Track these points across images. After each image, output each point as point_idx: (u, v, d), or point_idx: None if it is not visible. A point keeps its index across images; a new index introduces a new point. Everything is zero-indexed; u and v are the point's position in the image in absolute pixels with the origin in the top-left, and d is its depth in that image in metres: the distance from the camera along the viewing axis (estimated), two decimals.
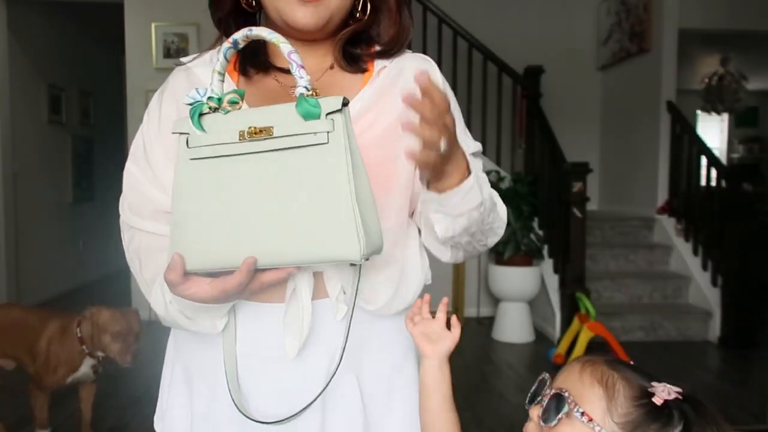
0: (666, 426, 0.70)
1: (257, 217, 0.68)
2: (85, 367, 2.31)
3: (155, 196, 0.84)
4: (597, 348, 3.57)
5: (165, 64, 4.55)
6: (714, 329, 4.17)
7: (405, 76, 0.88)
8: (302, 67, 0.69)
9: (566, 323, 3.87)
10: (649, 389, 0.71)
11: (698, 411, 0.70)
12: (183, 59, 0.90)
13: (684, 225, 4.66)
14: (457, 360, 0.96)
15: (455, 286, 4.54)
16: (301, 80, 0.68)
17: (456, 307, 4.53)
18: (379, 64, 0.89)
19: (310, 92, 0.67)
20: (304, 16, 0.80)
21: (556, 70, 5.41)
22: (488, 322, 4.48)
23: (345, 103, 0.67)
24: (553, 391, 0.76)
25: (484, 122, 4.86)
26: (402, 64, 0.90)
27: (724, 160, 8.13)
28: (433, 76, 0.85)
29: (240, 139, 0.68)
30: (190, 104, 0.71)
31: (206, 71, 0.82)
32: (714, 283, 4.28)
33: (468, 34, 4.81)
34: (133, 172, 0.87)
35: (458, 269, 4.49)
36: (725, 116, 8.33)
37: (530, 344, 4.09)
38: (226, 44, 0.73)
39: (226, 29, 0.86)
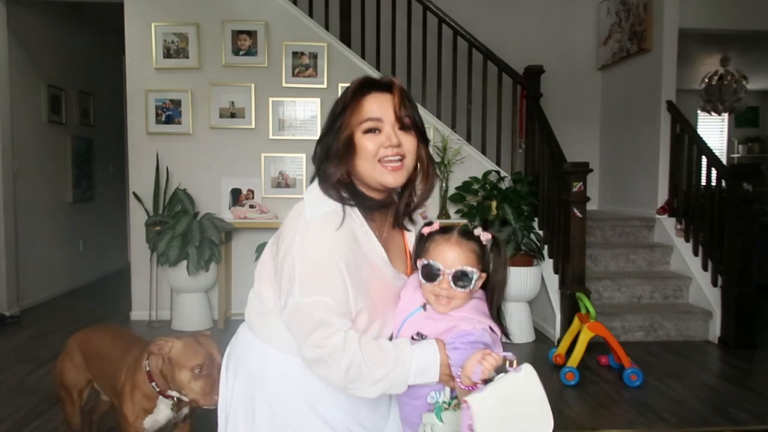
0: (491, 252, 1.22)
1: None
2: (165, 409, 1.84)
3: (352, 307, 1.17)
4: (597, 348, 3.58)
5: (165, 64, 4.55)
6: (714, 329, 4.17)
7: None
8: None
9: (566, 323, 3.87)
10: (480, 236, 1.21)
11: (497, 243, 1.22)
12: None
13: (684, 225, 4.66)
14: None
15: None
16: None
17: None
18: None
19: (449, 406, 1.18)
20: (395, 179, 1.18)
21: (556, 70, 5.42)
22: None
23: None
24: (455, 269, 1.18)
25: (484, 122, 4.86)
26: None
27: (724, 160, 8.12)
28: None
29: None
30: (434, 402, 1.20)
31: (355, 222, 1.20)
32: (714, 283, 4.28)
33: (468, 34, 4.81)
34: (328, 303, 1.12)
35: None
36: (725, 116, 8.32)
37: (530, 344, 4.09)
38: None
39: (333, 193, 1.18)
